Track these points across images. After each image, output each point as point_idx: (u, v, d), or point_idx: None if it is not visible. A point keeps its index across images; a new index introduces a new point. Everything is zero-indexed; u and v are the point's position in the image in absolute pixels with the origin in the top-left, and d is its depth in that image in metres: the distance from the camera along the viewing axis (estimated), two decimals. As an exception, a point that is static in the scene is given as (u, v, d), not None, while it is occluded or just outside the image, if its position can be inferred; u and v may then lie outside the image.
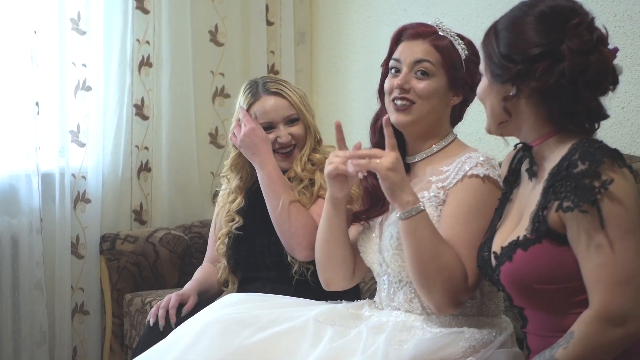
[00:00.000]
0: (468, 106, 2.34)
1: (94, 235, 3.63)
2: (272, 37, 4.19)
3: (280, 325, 2.16)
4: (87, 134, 3.65)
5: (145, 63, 3.79)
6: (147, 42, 3.79)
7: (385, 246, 2.21)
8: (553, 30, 1.78)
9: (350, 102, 3.97)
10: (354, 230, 2.36)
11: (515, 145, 2.00)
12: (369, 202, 2.30)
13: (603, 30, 1.81)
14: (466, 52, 2.26)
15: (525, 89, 1.81)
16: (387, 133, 2.09)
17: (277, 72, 4.18)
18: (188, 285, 2.80)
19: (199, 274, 2.90)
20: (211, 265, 2.90)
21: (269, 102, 2.73)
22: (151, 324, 2.66)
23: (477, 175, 2.12)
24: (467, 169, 2.14)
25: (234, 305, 2.29)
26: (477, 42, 2.02)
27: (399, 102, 2.21)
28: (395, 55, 2.26)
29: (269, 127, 2.71)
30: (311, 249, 2.45)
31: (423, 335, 2.09)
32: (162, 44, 3.80)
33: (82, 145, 3.65)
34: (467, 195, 2.12)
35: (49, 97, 3.55)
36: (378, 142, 2.26)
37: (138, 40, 3.76)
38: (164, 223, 3.81)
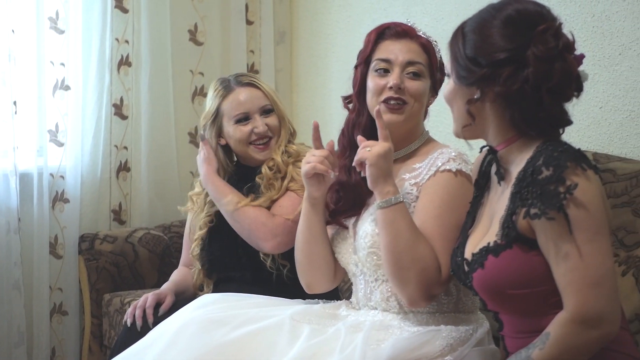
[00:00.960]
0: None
1: (72, 235, 3.61)
2: (252, 37, 4.19)
3: (256, 323, 2.15)
4: (65, 134, 3.63)
5: (124, 62, 3.77)
6: (126, 41, 3.77)
7: (359, 245, 2.22)
8: (519, 35, 1.78)
9: (330, 102, 3.97)
10: (328, 231, 2.36)
11: (481, 148, 1.99)
12: (347, 201, 2.30)
13: (570, 37, 1.80)
14: (440, 54, 2.29)
15: (490, 93, 1.80)
16: (380, 124, 2.09)
17: (256, 72, 4.17)
18: (165, 286, 2.81)
19: (175, 275, 2.90)
20: (186, 268, 2.90)
21: (243, 94, 2.73)
22: (128, 324, 2.65)
23: (449, 170, 2.14)
24: (440, 164, 2.15)
25: (210, 305, 2.29)
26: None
27: (393, 102, 2.21)
28: (381, 55, 2.24)
29: (244, 118, 2.71)
30: (273, 238, 2.54)
31: (401, 335, 2.09)
32: (142, 43, 3.79)
33: (61, 144, 3.63)
34: (440, 189, 2.13)
35: (27, 96, 3.52)
36: (369, 136, 2.25)
37: (117, 39, 3.74)
38: (143, 223, 3.80)
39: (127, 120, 3.79)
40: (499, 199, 1.88)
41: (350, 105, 2.33)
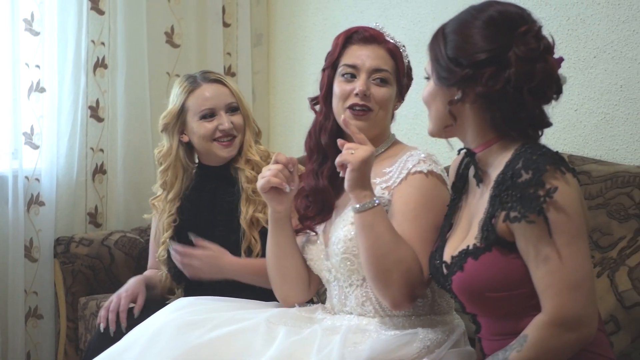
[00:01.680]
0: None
1: (47, 238, 3.58)
2: (229, 39, 4.18)
3: (232, 325, 2.14)
4: (40, 136, 3.60)
5: (100, 64, 3.75)
6: (102, 44, 3.75)
7: (332, 251, 2.21)
8: (501, 36, 1.78)
9: (307, 104, 3.93)
10: (297, 240, 2.35)
11: (459, 151, 2.00)
12: (316, 206, 2.29)
13: (550, 39, 1.81)
14: (407, 59, 2.29)
15: (471, 94, 1.80)
16: (353, 130, 2.08)
17: (233, 74, 4.17)
18: (134, 281, 2.73)
19: (146, 272, 2.88)
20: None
21: (209, 90, 2.72)
22: (101, 329, 2.61)
23: (420, 172, 2.13)
24: (410, 166, 2.15)
25: (186, 308, 2.27)
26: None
27: (358, 109, 2.21)
28: (348, 60, 2.24)
29: (210, 114, 2.70)
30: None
31: (378, 337, 2.08)
32: (118, 45, 3.77)
33: (36, 147, 3.60)
34: (413, 191, 2.13)
35: (1, 98, 3.50)
36: (329, 143, 2.26)
37: (93, 41, 3.72)
38: (119, 226, 3.78)
39: (103, 122, 3.77)
40: (477, 202, 1.89)
41: (317, 107, 2.33)
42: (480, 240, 1.80)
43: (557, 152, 1.76)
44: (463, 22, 1.84)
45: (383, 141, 2.28)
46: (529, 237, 1.71)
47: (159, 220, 2.82)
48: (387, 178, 2.18)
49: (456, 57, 1.81)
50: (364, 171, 2.02)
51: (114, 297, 2.67)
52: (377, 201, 2.03)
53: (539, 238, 1.70)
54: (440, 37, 1.87)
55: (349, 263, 2.17)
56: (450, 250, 1.90)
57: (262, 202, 2.61)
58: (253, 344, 2.08)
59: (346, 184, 2.04)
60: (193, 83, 2.73)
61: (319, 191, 2.25)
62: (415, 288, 2.05)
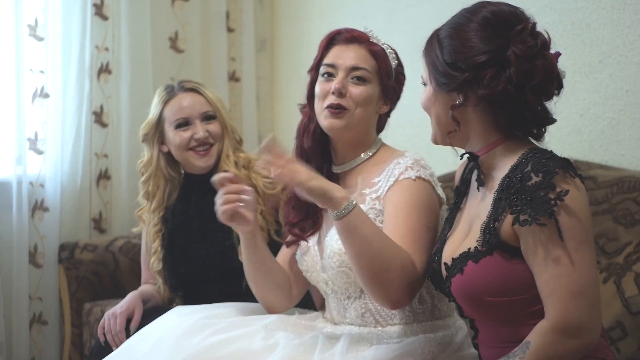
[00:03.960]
0: (389, 116, 2.33)
1: (52, 244, 3.58)
2: (233, 44, 4.19)
3: (232, 331, 2.12)
4: (45, 142, 3.60)
5: (104, 70, 3.75)
6: (106, 49, 3.75)
7: (328, 265, 2.19)
8: (497, 37, 1.78)
9: (311, 109, 3.97)
10: (289, 252, 2.34)
11: (461, 156, 1.98)
12: (304, 216, 2.28)
13: (545, 35, 1.81)
14: (395, 61, 2.27)
15: (472, 97, 1.80)
16: (264, 173, 2.05)
17: (237, 79, 4.17)
18: (130, 297, 2.69)
19: (141, 286, 2.85)
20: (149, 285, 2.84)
21: (185, 99, 2.72)
22: (102, 342, 2.59)
23: (408, 178, 2.11)
24: (397, 174, 2.13)
25: (186, 315, 2.25)
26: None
27: (333, 108, 2.18)
28: (328, 60, 2.23)
29: (184, 123, 2.70)
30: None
31: (379, 346, 2.06)
32: (122, 51, 3.77)
33: (40, 153, 3.60)
34: (402, 194, 2.10)
35: (5, 104, 3.49)
36: (312, 146, 2.25)
37: (97, 46, 3.72)
38: (123, 231, 3.78)
39: (107, 128, 3.77)
40: (478, 205, 1.88)
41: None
42: (481, 244, 1.79)
43: (565, 158, 1.76)
44: (458, 26, 1.83)
45: (368, 146, 2.25)
46: (537, 240, 1.70)
47: (146, 234, 2.81)
48: (377, 188, 2.15)
49: (454, 62, 1.80)
50: (320, 184, 1.93)
51: (109, 316, 2.60)
52: (354, 201, 1.95)
53: (547, 241, 1.69)
54: (435, 43, 1.86)
55: (345, 276, 2.15)
56: (449, 253, 1.88)
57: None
58: (252, 347, 2.06)
59: (318, 203, 1.96)
60: (170, 93, 2.74)
61: (304, 200, 2.15)
62: (413, 283, 2.00)
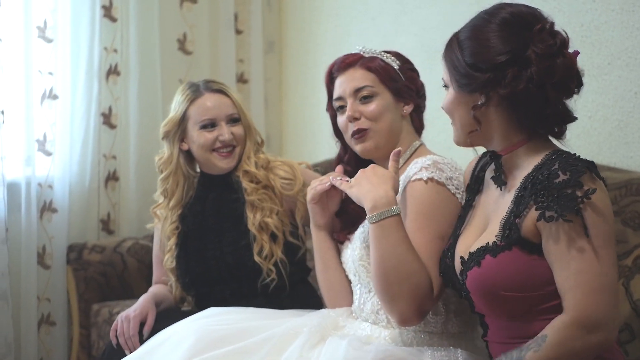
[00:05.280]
0: (423, 112, 2.37)
1: (60, 245, 3.59)
2: (241, 46, 4.19)
3: (255, 336, 2.15)
4: (53, 143, 3.61)
5: (112, 71, 3.76)
6: (115, 51, 3.76)
7: (355, 256, 2.25)
8: (517, 37, 1.81)
9: (318, 111, 3.97)
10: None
11: (483, 154, 2.00)
12: (349, 214, 2.36)
13: (564, 34, 1.83)
14: (397, 62, 2.31)
15: (494, 97, 1.82)
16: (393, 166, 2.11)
17: (245, 81, 4.17)
18: (143, 300, 2.66)
19: (152, 287, 2.83)
20: (161, 285, 2.83)
21: (211, 100, 2.70)
22: (114, 345, 2.57)
23: (419, 179, 2.11)
24: (411, 174, 2.14)
25: (212, 316, 2.29)
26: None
27: (356, 135, 2.27)
28: (336, 94, 2.33)
29: (210, 124, 2.69)
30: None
31: (382, 344, 2.09)
32: (130, 52, 3.78)
33: (49, 154, 3.61)
34: (412, 201, 2.10)
35: (14, 105, 3.50)
36: (352, 173, 2.30)
37: (105, 48, 3.73)
38: (131, 233, 3.78)
39: (116, 129, 3.78)
40: (496, 202, 1.90)
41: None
42: (500, 239, 1.80)
43: (591, 160, 1.78)
44: (477, 27, 1.86)
45: (404, 150, 2.29)
46: (562, 236, 1.72)
47: (162, 229, 2.79)
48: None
49: (475, 63, 1.83)
50: (355, 189, 2.07)
51: (122, 319, 2.57)
52: (393, 210, 2.00)
53: (573, 237, 1.71)
54: (455, 45, 1.88)
55: (365, 270, 2.20)
56: (465, 247, 1.90)
57: (269, 207, 2.63)
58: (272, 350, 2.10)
59: (355, 199, 2.09)
60: (195, 92, 2.71)
61: (349, 201, 2.28)
62: (424, 304, 2.01)
